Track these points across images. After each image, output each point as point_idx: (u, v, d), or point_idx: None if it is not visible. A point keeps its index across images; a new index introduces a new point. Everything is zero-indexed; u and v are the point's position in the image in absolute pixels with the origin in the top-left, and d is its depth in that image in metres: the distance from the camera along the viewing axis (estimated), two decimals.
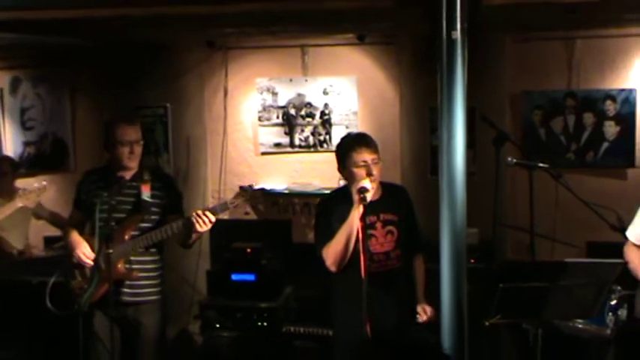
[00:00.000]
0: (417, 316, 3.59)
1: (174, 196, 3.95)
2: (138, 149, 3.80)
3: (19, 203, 4.08)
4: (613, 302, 3.96)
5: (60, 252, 4.67)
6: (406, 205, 3.61)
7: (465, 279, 2.75)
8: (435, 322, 3.48)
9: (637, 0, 3.69)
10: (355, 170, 3.37)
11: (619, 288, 3.92)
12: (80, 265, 3.78)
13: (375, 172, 3.35)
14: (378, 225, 3.48)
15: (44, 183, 4.21)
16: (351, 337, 3.39)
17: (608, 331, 3.84)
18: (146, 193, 3.79)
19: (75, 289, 3.80)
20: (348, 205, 3.34)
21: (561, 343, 3.96)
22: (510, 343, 4.47)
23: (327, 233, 3.42)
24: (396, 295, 3.49)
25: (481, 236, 4.66)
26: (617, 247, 3.83)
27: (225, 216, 5.67)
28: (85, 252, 3.74)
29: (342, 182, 3.65)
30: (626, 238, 3.75)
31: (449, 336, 2.73)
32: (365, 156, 3.37)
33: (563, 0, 3.48)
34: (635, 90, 5.20)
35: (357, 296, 3.18)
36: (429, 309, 3.57)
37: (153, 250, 3.84)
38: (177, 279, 5.39)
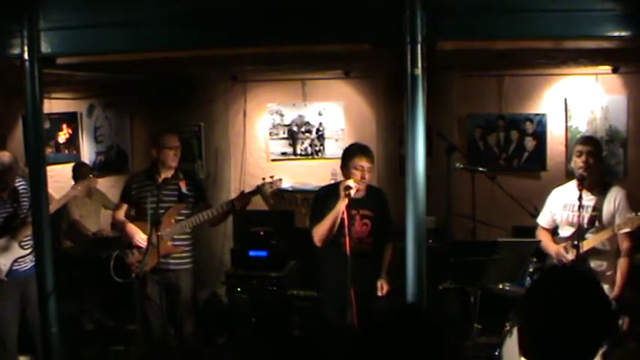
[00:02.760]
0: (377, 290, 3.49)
1: (201, 189, 3.98)
2: (179, 153, 3.83)
3: (72, 193, 3.98)
4: (530, 270, 3.94)
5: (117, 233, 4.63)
6: (382, 204, 3.55)
7: (425, 255, 2.70)
8: (387, 297, 3.42)
9: (545, 50, 3.70)
10: (353, 171, 3.33)
11: (535, 259, 3.90)
12: (136, 246, 3.75)
13: (367, 176, 3.32)
14: (357, 217, 3.44)
15: (91, 177, 4.13)
16: (335, 297, 3.35)
17: None
18: (184, 188, 3.79)
19: (133, 263, 3.76)
20: (336, 197, 3.30)
21: (493, 301, 3.93)
22: (457, 302, 4.43)
23: (317, 217, 3.39)
24: (361, 271, 3.34)
25: (437, 222, 4.62)
26: (535, 230, 3.81)
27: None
28: (141, 237, 3.72)
29: (333, 181, 3.61)
30: (537, 223, 3.73)
31: (413, 297, 2.68)
32: (363, 162, 3.33)
33: (495, 48, 3.46)
34: (545, 115, 5.21)
35: (340, 268, 3.14)
36: (385, 286, 3.47)
37: (189, 230, 3.82)
38: (209, 255, 5.35)
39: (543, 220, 3.69)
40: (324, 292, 3.61)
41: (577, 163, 3.43)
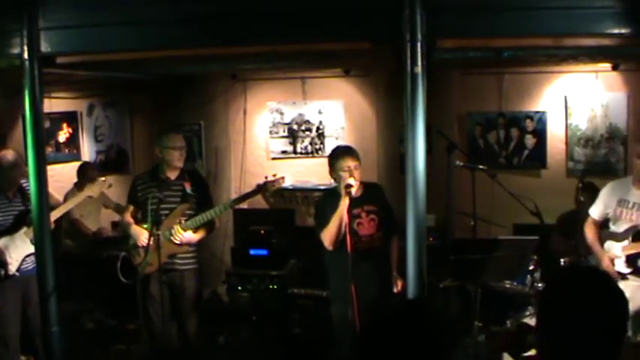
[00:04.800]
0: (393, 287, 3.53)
1: (205, 190, 3.94)
2: (184, 153, 3.79)
3: (87, 193, 4.01)
4: (530, 267, 3.94)
5: (122, 234, 4.63)
6: (382, 198, 3.59)
7: (425, 253, 2.71)
8: (403, 292, 3.45)
9: (545, 48, 3.70)
10: (342, 173, 3.36)
11: (535, 257, 3.90)
12: (142, 246, 3.74)
13: (355, 175, 3.33)
14: (363, 214, 3.45)
15: (103, 179, 4.15)
16: (342, 297, 3.36)
17: (527, 289, 3.82)
18: (188, 188, 3.76)
19: (138, 263, 3.75)
20: (338, 199, 3.32)
21: (494, 298, 3.95)
22: (457, 300, 4.45)
23: (323, 222, 3.40)
24: (378, 267, 3.44)
25: (437, 220, 4.64)
26: (535, 228, 3.81)
27: (244, 206, 5.66)
28: (146, 237, 3.69)
29: (333, 182, 3.61)
30: (588, 215, 3.65)
31: (413, 295, 2.69)
32: (349, 163, 3.35)
33: (495, 45, 3.45)
34: (545, 112, 5.23)
35: (346, 267, 3.15)
36: (400, 282, 3.51)
37: (192, 229, 3.79)
38: (209, 254, 5.35)
39: (595, 212, 3.62)
40: (332, 292, 3.62)
41: (637, 165, 3.42)
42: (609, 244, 3.51)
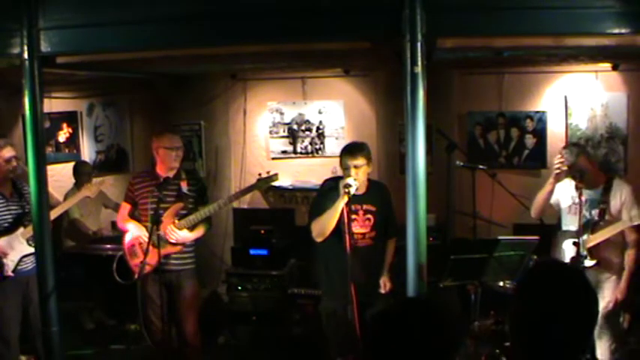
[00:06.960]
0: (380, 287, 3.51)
1: (202, 190, 3.95)
2: (180, 153, 3.80)
3: (84, 192, 4.01)
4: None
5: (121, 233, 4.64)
6: (385, 199, 3.56)
7: (425, 252, 2.71)
8: (391, 294, 3.43)
9: (545, 48, 3.70)
10: (345, 171, 3.36)
11: (535, 257, 3.90)
12: (139, 245, 3.74)
13: (353, 174, 3.31)
14: (360, 212, 3.44)
15: (100, 179, 4.17)
16: (335, 294, 3.35)
17: None
18: (185, 187, 3.77)
19: (136, 264, 3.75)
20: (338, 193, 3.31)
21: (494, 298, 3.94)
22: (457, 300, 4.44)
23: (317, 211, 3.40)
24: (367, 265, 3.41)
25: (437, 220, 4.63)
26: (536, 228, 3.81)
27: (245, 205, 5.68)
28: (144, 234, 3.71)
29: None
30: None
31: (413, 295, 2.69)
32: (349, 162, 3.34)
33: (495, 45, 3.45)
34: (545, 112, 5.20)
35: (341, 265, 3.15)
36: (388, 284, 3.50)
37: (190, 229, 3.79)
38: (209, 254, 5.36)
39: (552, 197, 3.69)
40: (323, 288, 3.61)
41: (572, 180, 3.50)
42: (567, 244, 3.55)
